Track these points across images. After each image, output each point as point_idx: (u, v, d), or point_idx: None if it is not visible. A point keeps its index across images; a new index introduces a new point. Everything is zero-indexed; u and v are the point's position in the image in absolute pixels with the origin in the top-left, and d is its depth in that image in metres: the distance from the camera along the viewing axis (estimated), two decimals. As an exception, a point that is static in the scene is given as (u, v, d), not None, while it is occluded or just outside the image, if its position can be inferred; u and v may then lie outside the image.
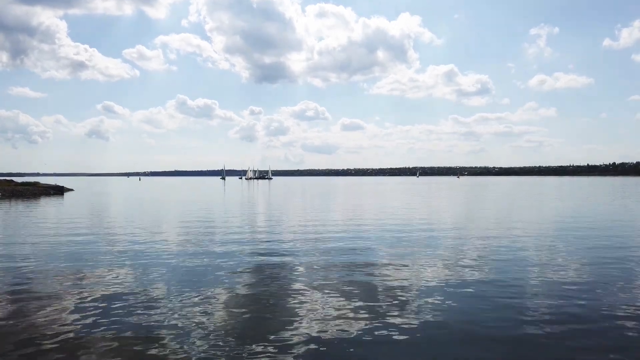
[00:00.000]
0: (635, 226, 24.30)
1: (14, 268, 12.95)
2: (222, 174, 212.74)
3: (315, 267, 13.08)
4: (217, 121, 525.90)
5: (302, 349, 7.05)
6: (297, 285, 10.93)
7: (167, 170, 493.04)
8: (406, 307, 9.13)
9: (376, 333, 7.70)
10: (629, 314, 8.69)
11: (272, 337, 7.54)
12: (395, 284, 11.01)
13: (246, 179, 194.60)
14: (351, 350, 7.05)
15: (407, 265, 13.19)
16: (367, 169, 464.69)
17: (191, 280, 11.42)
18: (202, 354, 6.86)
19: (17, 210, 35.15)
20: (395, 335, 7.63)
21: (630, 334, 7.72)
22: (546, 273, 12.19)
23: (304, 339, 7.46)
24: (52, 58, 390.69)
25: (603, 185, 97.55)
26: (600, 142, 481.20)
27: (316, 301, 9.58)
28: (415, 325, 8.07)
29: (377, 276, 11.82)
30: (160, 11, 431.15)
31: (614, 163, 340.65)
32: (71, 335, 7.63)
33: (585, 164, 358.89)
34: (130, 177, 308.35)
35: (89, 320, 8.32)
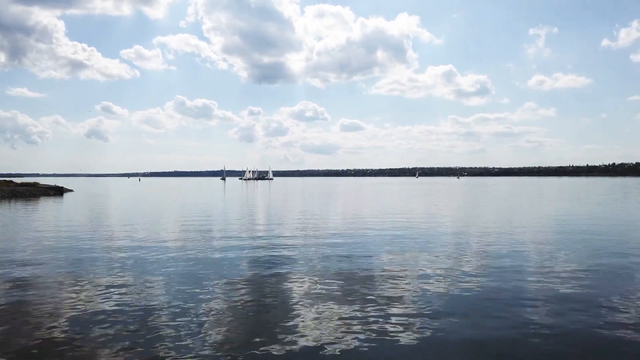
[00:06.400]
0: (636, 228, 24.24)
1: (13, 269, 12.88)
2: (223, 174, 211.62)
3: (315, 270, 13.05)
4: (216, 121, 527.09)
5: (303, 354, 7.01)
6: (298, 289, 10.89)
7: (166, 170, 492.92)
8: (407, 311, 9.10)
9: (378, 338, 7.67)
10: (631, 318, 8.65)
11: (273, 341, 7.49)
12: (397, 288, 10.98)
13: (244, 179, 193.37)
14: (352, 355, 7.01)
15: (408, 269, 13.15)
16: (367, 170, 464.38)
17: (190, 283, 11.37)
18: (201, 358, 6.81)
19: (17, 210, 35.10)
20: (395, 341, 7.59)
21: (636, 340, 7.68)
22: (548, 277, 12.14)
23: (305, 344, 7.42)
24: (50, 58, 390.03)
25: (603, 186, 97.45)
26: (600, 142, 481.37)
27: (317, 305, 9.53)
28: (416, 331, 8.03)
29: (379, 280, 11.79)
30: (159, 11, 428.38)
31: (614, 163, 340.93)
32: (69, 337, 7.58)
33: (585, 164, 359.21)
34: (131, 178, 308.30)
35: (88, 322, 8.27)
